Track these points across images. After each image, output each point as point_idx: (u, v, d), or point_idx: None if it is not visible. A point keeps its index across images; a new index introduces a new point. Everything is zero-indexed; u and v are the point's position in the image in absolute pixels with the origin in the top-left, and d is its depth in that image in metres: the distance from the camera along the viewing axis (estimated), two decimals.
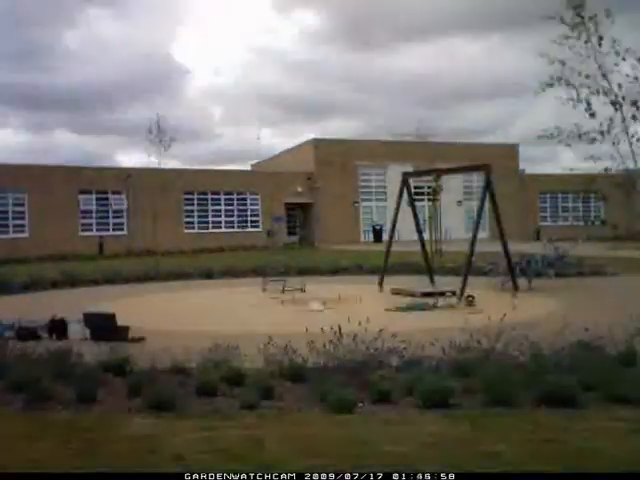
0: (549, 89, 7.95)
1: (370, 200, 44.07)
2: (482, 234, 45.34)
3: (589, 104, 7.74)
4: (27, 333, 9.45)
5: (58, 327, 9.69)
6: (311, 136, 44.40)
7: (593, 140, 7.85)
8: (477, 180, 46.96)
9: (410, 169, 44.49)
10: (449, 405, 5.70)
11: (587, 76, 7.70)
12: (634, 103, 7.76)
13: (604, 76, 7.72)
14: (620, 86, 7.75)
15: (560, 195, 48.85)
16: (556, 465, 4.34)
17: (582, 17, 7.75)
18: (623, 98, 7.71)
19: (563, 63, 7.77)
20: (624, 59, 7.63)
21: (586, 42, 7.74)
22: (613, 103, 7.71)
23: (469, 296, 12.89)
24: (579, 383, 5.93)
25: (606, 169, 7.91)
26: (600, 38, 7.71)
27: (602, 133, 7.75)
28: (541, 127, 8.22)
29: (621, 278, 17.54)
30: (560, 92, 7.88)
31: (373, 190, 44.20)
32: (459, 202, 46.06)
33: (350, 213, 42.68)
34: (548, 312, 10.79)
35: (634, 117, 7.73)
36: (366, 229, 43.00)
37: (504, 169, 46.16)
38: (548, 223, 47.84)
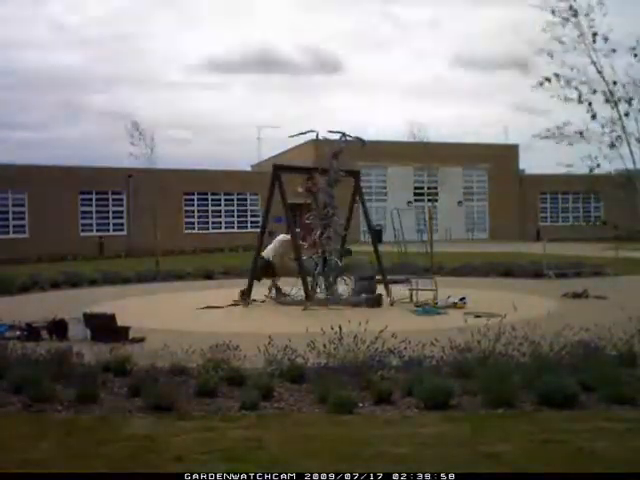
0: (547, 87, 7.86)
1: (370, 200, 44.00)
2: (482, 235, 45.60)
3: (579, 97, 7.64)
4: (27, 334, 9.44)
5: (58, 328, 9.68)
6: None
7: (579, 136, 7.76)
8: (477, 180, 47.00)
9: (410, 169, 44.64)
10: (449, 405, 5.71)
11: (583, 78, 7.62)
12: (629, 101, 7.68)
13: (599, 73, 7.64)
14: (615, 83, 7.66)
15: (560, 195, 48.82)
16: (556, 465, 4.34)
17: (575, 10, 7.63)
18: (614, 95, 7.63)
19: (553, 56, 7.65)
20: (614, 50, 7.50)
21: (579, 36, 7.64)
22: (608, 100, 7.64)
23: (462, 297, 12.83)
24: (579, 383, 5.93)
25: (598, 165, 7.82)
26: (594, 34, 7.61)
27: (603, 134, 7.69)
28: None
29: (622, 279, 17.52)
30: (557, 89, 7.79)
31: (373, 190, 44.17)
32: (459, 202, 46.07)
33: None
34: (548, 312, 10.79)
35: (627, 114, 7.65)
36: (365, 229, 42.94)
37: (504, 169, 46.23)
38: (548, 223, 47.82)
